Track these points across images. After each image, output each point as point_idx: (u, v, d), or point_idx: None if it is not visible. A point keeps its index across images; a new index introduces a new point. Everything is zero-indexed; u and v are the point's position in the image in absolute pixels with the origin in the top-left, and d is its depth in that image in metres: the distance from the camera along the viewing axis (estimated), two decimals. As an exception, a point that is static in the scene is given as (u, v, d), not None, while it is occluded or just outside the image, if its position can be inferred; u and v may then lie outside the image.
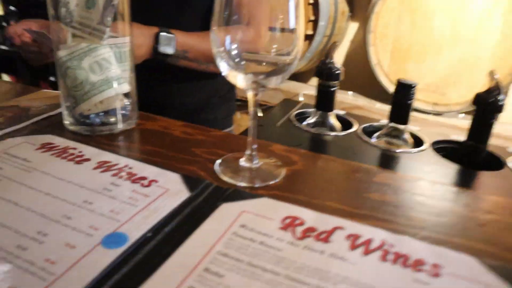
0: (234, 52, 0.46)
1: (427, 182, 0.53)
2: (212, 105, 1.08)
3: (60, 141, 0.58)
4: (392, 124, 0.70)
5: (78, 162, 0.52)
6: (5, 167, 0.51)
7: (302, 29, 0.47)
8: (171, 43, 0.92)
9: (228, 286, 0.34)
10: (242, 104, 0.95)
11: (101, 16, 0.56)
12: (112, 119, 0.62)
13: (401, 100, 0.67)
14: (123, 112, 0.63)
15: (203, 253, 0.37)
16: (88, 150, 0.55)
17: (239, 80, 0.47)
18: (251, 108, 0.50)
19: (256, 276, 0.35)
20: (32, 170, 0.51)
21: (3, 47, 3.03)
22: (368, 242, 0.40)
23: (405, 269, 0.36)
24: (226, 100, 1.10)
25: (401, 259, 0.38)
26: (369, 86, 1.87)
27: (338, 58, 2.10)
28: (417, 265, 0.37)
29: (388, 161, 0.68)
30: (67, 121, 0.63)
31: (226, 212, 0.43)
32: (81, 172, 0.50)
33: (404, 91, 0.67)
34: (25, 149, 0.56)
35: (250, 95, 0.49)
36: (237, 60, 0.46)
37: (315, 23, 1.76)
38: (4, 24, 3.02)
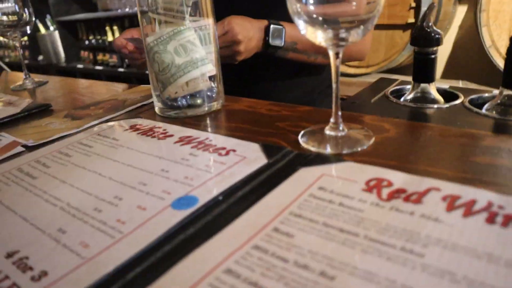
0: (311, 8, 0.42)
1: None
2: (312, 100, 1.04)
3: (147, 122, 0.59)
4: (507, 92, 0.60)
5: (161, 138, 0.53)
6: (95, 146, 0.54)
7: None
8: (281, 35, 0.89)
9: (298, 245, 0.30)
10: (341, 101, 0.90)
11: None
12: (199, 101, 0.62)
13: None
14: (209, 93, 0.62)
15: (275, 214, 0.34)
16: (172, 128, 0.56)
17: (319, 36, 0.43)
18: (333, 69, 0.46)
19: (330, 236, 0.30)
20: (118, 146, 0.52)
21: (121, 69, 3.33)
22: (470, 203, 0.33)
23: (521, 233, 0.29)
24: (325, 96, 1.05)
25: (514, 221, 0.30)
26: (483, 73, 1.68)
27: (446, 46, 1.93)
28: (537, 228, 0.30)
29: (504, 131, 0.58)
30: (157, 106, 0.64)
31: (304, 175, 0.39)
32: (163, 146, 0.50)
33: None
34: (116, 130, 0.58)
35: (331, 54, 0.45)
36: (314, 16, 0.43)
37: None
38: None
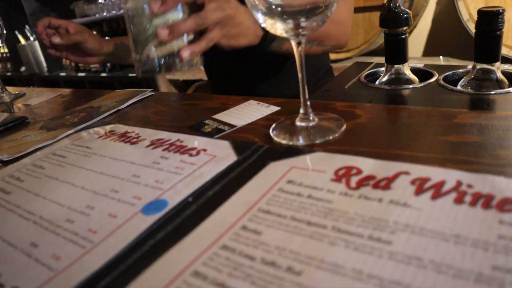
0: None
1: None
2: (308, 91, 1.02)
3: (121, 128, 0.59)
4: (480, 66, 0.60)
5: (133, 143, 0.52)
6: (69, 156, 0.53)
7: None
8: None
9: (265, 242, 0.29)
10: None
11: None
12: (177, 60, 0.61)
13: (486, 33, 0.56)
14: (186, 53, 0.61)
15: (243, 211, 0.33)
16: (144, 132, 0.55)
17: (279, 27, 0.43)
18: (297, 59, 0.45)
19: (298, 231, 0.30)
20: (91, 155, 0.52)
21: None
22: (439, 184, 0.33)
23: (488, 210, 0.29)
24: (322, 85, 1.03)
25: (482, 199, 0.30)
26: (463, 47, 1.68)
27: (425, 24, 1.93)
28: (504, 204, 0.29)
29: (479, 107, 0.58)
30: (137, 71, 0.63)
31: (274, 169, 0.39)
32: (135, 151, 0.50)
33: (488, 21, 0.56)
34: (89, 138, 0.57)
35: (293, 44, 0.44)
36: (273, 6, 0.42)
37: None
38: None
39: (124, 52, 1.06)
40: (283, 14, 0.42)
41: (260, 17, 0.43)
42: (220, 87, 1.18)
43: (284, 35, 0.43)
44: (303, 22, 0.42)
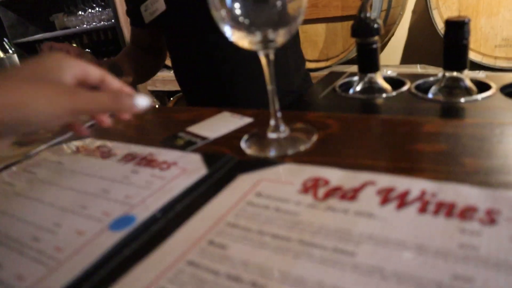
0: (237, 12, 0.42)
1: (489, 125, 0.44)
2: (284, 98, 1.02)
3: (94, 142, 0.58)
4: (449, 74, 0.61)
5: (105, 158, 0.52)
6: (39, 172, 0.52)
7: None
8: None
9: (230, 257, 0.29)
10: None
11: None
12: None
13: (454, 42, 0.57)
14: None
15: (211, 226, 0.33)
16: (116, 146, 0.55)
17: (246, 40, 0.43)
18: (266, 71, 0.46)
19: (263, 245, 0.30)
20: (62, 170, 0.51)
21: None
22: (403, 194, 0.33)
23: (450, 219, 0.29)
24: (299, 93, 1.03)
25: (444, 208, 0.31)
26: (440, 54, 1.71)
27: (402, 32, 1.96)
28: (466, 212, 0.30)
29: (451, 114, 0.59)
30: None
31: (243, 182, 0.39)
32: (106, 166, 0.49)
33: (455, 31, 0.57)
34: (61, 153, 0.57)
35: (262, 57, 0.45)
36: (240, 19, 0.42)
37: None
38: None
39: (117, 72, 1.06)
40: (251, 26, 0.42)
41: (227, 30, 0.43)
42: (194, 99, 1.18)
43: (253, 47, 0.44)
44: (270, 34, 0.42)
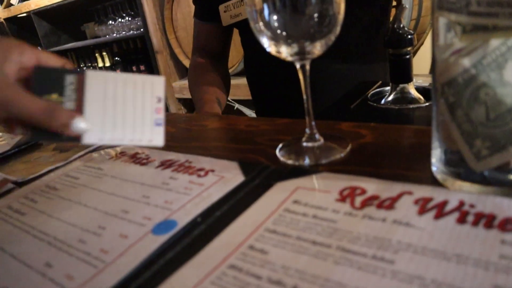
0: (274, 24, 0.43)
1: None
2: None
3: (131, 149, 0.60)
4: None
5: (143, 164, 0.53)
6: (81, 177, 0.54)
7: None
8: None
9: (271, 262, 0.30)
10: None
11: None
12: None
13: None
14: None
15: (250, 231, 0.34)
16: (154, 153, 0.56)
17: (284, 51, 0.44)
18: (302, 82, 0.47)
19: (303, 250, 0.31)
20: (103, 176, 0.53)
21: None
22: (441, 204, 0.33)
23: (490, 230, 0.30)
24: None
25: (484, 219, 0.31)
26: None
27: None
28: (506, 224, 0.30)
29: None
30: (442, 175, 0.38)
31: (280, 190, 0.40)
32: (145, 172, 0.51)
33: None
34: (101, 160, 0.59)
35: (298, 68, 0.46)
36: (278, 31, 0.43)
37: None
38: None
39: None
40: (288, 38, 0.43)
41: (265, 42, 0.44)
42: (262, 104, 1.20)
43: (289, 59, 0.45)
44: (307, 46, 0.44)
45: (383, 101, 0.70)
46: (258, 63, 1.11)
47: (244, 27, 1.08)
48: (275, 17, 0.43)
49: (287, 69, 0.98)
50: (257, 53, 1.08)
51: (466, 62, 0.33)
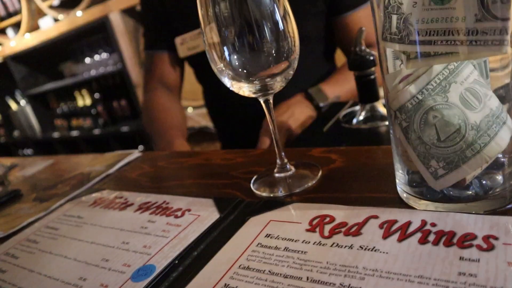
0: (235, 63, 0.45)
1: None
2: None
3: (109, 194, 0.61)
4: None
5: (122, 209, 0.54)
6: (61, 227, 0.55)
7: (295, 32, 0.45)
8: (321, 91, 0.92)
9: (246, 299, 0.31)
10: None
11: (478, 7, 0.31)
12: (499, 178, 0.37)
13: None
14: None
15: (225, 270, 0.35)
16: (133, 196, 0.57)
17: (246, 89, 0.46)
18: (268, 115, 0.48)
19: (275, 285, 0.32)
20: (82, 224, 0.53)
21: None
22: (405, 225, 0.35)
23: (450, 248, 0.31)
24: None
25: (444, 237, 0.32)
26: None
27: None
28: (465, 240, 0.32)
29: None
30: (406, 195, 0.40)
31: (253, 224, 0.41)
32: (123, 217, 0.52)
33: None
34: (80, 208, 0.60)
35: (262, 102, 0.48)
36: (239, 70, 0.45)
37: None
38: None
39: None
40: (249, 76, 0.45)
41: (227, 82, 0.46)
42: (224, 134, 1.21)
43: (252, 95, 0.47)
44: (269, 82, 0.45)
45: (354, 121, 0.72)
46: (217, 96, 1.14)
47: (200, 61, 1.09)
48: (235, 57, 0.45)
49: (245, 100, 1.01)
50: (215, 87, 1.10)
51: (412, 89, 0.35)
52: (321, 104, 0.87)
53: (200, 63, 1.11)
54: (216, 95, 1.15)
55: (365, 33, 0.62)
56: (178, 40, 1.07)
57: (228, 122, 1.19)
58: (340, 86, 0.95)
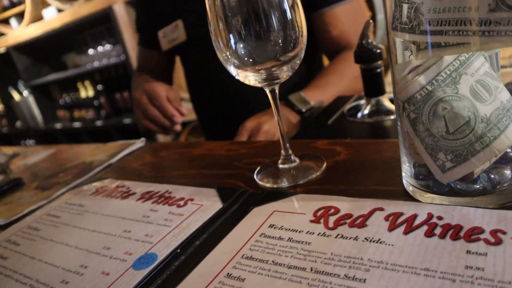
0: (241, 52, 0.45)
1: None
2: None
3: (112, 183, 0.61)
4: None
5: (124, 198, 0.54)
6: (63, 215, 0.55)
7: (303, 22, 0.45)
8: (302, 96, 0.89)
9: (249, 289, 0.31)
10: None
11: None
12: (507, 172, 0.36)
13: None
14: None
15: (228, 259, 0.35)
16: (135, 186, 0.57)
17: (252, 78, 0.45)
18: (273, 105, 0.48)
19: (278, 275, 0.32)
20: (84, 212, 0.53)
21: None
22: (411, 218, 0.34)
23: (457, 241, 0.31)
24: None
25: (451, 230, 0.32)
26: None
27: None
28: (472, 234, 0.31)
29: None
30: (412, 187, 0.39)
31: (257, 214, 0.41)
32: (125, 206, 0.51)
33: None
34: (82, 196, 0.59)
35: (267, 92, 0.47)
36: (245, 59, 0.45)
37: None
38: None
39: None
40: (255, 65, 0.45)
41: (233, 70, 0.45)
42: (210, 128, 1.22)
43: (258, 85, 0.46)
44: (275, 71, 0.45)
45: (359, 115, 0.72)
46: (200, 89, 1.14)
47: (180, 53, 1.10)
48: (241, 45, 0.44)
49: (231, 94, 0.99)
50: (200, 80, 1.11)
51: (422, 79, 0.34)
52: (303, 110, 0.86)
53: (181, 55, 1.12)
54: (198, 88, 1.16)
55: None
56: (160, 33, 1.10)
57: (210, 115, 1.19)
58: (321, 92, 0.93)
